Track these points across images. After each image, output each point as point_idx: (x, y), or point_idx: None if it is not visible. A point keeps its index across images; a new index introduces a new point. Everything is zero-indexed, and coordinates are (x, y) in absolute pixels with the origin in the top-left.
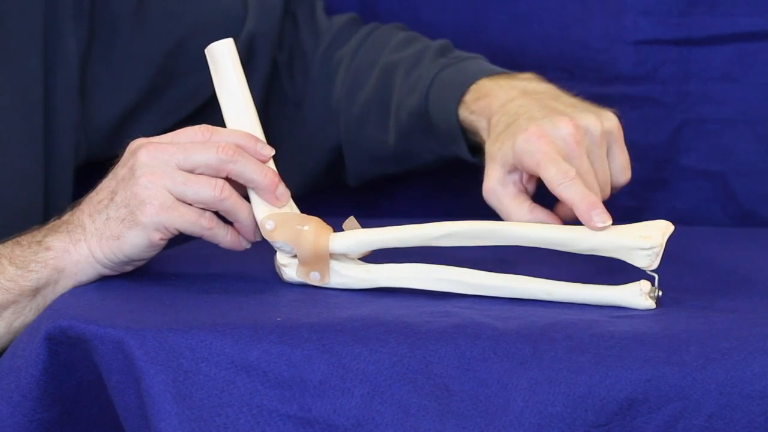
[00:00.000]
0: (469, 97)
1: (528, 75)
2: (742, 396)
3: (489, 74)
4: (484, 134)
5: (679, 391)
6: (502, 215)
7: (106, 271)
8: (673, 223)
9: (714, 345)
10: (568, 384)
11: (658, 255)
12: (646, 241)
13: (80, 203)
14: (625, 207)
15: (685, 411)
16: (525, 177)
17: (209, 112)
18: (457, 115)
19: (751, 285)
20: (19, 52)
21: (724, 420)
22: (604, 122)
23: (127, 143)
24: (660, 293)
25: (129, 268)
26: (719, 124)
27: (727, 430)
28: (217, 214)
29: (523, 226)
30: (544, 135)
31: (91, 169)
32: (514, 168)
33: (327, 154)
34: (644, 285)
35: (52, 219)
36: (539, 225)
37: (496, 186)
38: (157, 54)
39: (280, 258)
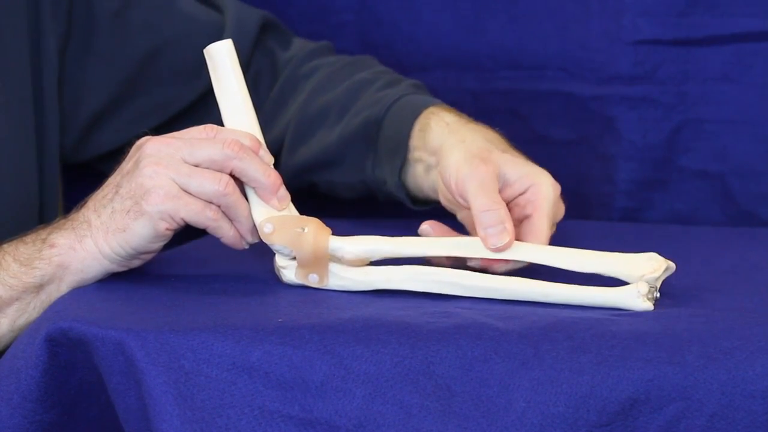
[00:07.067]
0: (442, 106)
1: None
2: (744, 396)
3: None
4: (436, 132)
5: (680, 391)
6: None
7: (113, 267)
8: (672, 224)
9: (715, 345)
10: (570, 384)
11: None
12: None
13: (86, 201)
14: (624, 207)
15: (687, 411)
16: (503, 195)
17: (177, 126)
18: (414, 122)
19: (751, 284)
20: (7, 49)
21: (726, 420)
22: None
23: (94, 147)
24: (658, 295)
25: (137, 263)
26: (718, 124)
27: (728, 430)
28: None
29: (535, 247)
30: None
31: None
32: (508, 184)
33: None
34: (642, 287)
35: (58, 218)
36: (549, 247)
37: (493, 178)
38: (130, 61)
39: (279, 260)
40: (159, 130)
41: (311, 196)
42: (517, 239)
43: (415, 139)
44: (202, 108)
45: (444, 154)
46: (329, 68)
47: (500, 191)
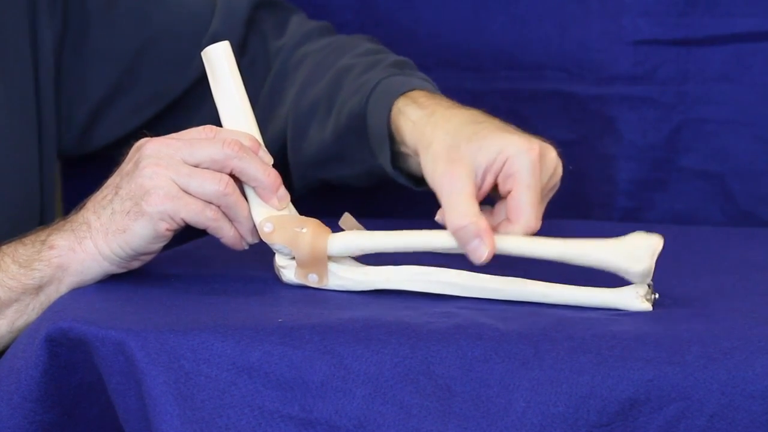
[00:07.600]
0: (410, 95)
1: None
2: (744, 396)
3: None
4: (411, 125)
5: (680, 391)
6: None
7: (113, 268)
8: (672, 224)
9: (715, 345)
10: (570, 384)
11: (649, 274)
12: (636, 264)
13: (85, 202)
14: (624, 208)
15: (687, 411)
16: (487, 182)
17: (175, 114)
18: (389, 115)
19: (751, 285)
20: (9, 49)
21: (725, 420)
22: None
23: (96, 139)
24: (656, 296)
25: (137, 264)
26: (718, 124)
27: (728, 430)
28: None
29: (519, 239)
30: (542, 155)
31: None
32: (487, 170)
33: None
34: (641, 288)
35: (57, 219)
36: (534, 239)
37: (466, 180)
38: (125, 52)
39: (279, 260)
40: (158, 118)
41: (311, 195)
42: (506, 217)
43: (397, 135)
44: (200, 94)
45: (421, 161)
46: (316, 56)
47: (482, 181)
